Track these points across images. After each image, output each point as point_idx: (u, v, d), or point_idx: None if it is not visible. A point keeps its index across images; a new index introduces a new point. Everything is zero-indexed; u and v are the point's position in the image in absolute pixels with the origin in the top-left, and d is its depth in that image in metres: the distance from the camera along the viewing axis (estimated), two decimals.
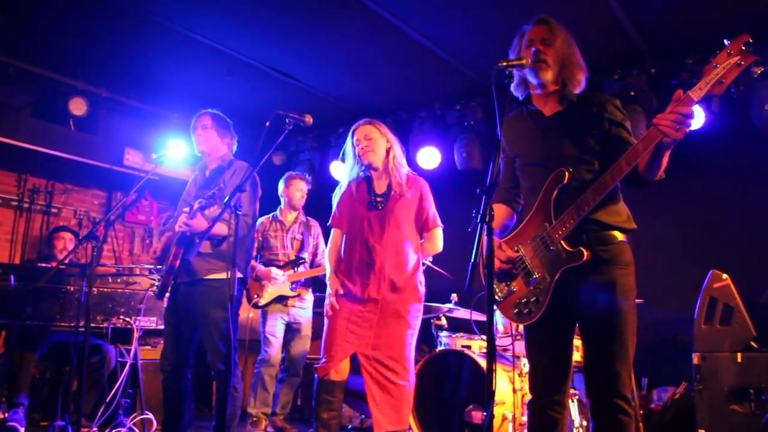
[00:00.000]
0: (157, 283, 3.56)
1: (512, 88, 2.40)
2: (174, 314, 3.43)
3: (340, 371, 3.08)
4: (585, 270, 2.17)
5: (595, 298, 2.18)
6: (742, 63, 1.88)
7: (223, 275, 3.33)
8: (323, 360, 3.09)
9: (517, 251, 2.34)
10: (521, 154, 2.44)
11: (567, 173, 2.22)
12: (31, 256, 5.85)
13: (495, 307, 2.41)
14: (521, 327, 2.97)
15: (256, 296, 4.68)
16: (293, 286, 4.71)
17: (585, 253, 2.15)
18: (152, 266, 3.85)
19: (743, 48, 1.88)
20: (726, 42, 1.91)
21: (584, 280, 2.19)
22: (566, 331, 2.30)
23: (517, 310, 2.32)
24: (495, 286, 2.37)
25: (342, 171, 3.36)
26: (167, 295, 3.44)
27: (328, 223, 3.38)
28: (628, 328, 2.17)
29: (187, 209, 3.27)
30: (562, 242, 2.19)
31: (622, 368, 2.15)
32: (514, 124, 2.48)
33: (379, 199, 3.23)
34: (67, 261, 4.45)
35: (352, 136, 3.30)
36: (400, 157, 3.30)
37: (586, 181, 2.22)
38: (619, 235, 2.23)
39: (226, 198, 2.80)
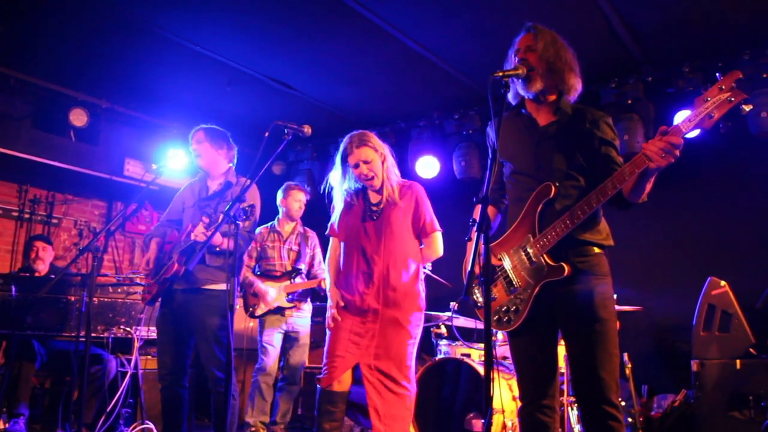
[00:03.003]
0: (145, 288, 3.56)
1: (509, 98, 2.43)
2: (169, 322, 3.43)
3: (343, 382, 3.07)
4: (564, 280, 2.21)
5: (574, 307, 2.22)
6: (733, 99, 1.92)
7: (222, 286, 3.34)
8: (325, 371, 3.08)
9: (500, 259, 2.39)
10: (511, 161, 2.47)
11: (553, 188, 2.26)
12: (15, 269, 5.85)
13: (476, 312, 2.47)
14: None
15: (252, 306, 4.67)
16: (290, 297, 4.71)
17: (566, 268, 2.19)
18: (145, 274, 3.85)
19: (734, 85, 1.92)
20: (718, 76, 1.95)
21: (563, 290, 2.23)
22: (549, 338, 2.34)
23: (497, 317, 2.36)
24: (476, 292, 2.44)
25: (334, 181, 3.31)
26: (158, 301, 3.44)
27: (326, 232, 3.37)
28: (609, 335, 2.20)
29: (207, 219, 3.24)
30: (545, 256, 2.24)
31: (607, 374, 2.16)
32: (508, 126, 2.49)
33: (374, 209, 3.21)
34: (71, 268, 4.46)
35: (346, 159, 3.19)
36: (392, 165, 3.25)
37: (571, 197, 2.27)
38: (596, 249, 2.28)
39: (227, 207, 2.84)
